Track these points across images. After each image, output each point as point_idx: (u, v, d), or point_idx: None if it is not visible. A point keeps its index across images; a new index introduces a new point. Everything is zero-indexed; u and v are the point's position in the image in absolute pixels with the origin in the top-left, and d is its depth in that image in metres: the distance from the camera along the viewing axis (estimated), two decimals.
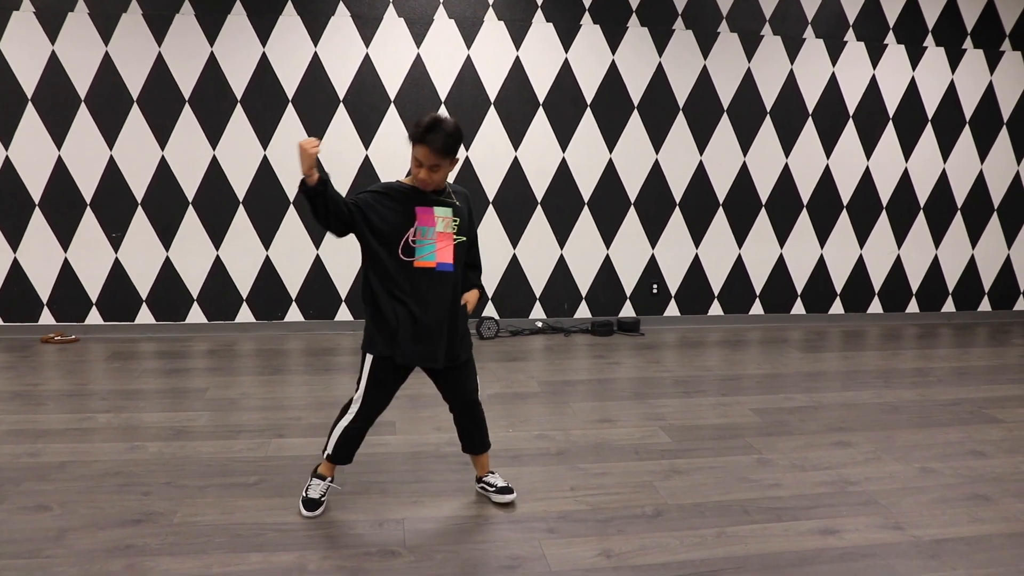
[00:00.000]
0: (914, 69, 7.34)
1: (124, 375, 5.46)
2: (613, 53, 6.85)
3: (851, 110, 7.29)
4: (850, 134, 7.33)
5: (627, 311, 7.31)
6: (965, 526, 3.22)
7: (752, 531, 3.14)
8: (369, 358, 3.17)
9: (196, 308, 6.71)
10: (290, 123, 6.54)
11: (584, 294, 7.22)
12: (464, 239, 3.19)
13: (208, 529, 3.13)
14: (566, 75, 6.82)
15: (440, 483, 3.62)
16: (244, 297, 6.75)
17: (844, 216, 7.46)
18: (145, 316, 6.66)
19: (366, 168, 6.62)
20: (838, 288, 7.61)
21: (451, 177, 3.30)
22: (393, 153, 6.66)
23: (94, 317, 6.61)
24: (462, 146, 6.61)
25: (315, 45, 6.47)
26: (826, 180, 7.37)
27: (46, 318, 6.57)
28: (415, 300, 3.08)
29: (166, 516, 3.25)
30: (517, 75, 6.76)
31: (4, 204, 6.37)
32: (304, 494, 3.34)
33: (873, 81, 7.28)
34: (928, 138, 7.47)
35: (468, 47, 6.65)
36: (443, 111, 6.62)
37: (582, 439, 4.23)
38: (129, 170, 6.44)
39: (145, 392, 5.05)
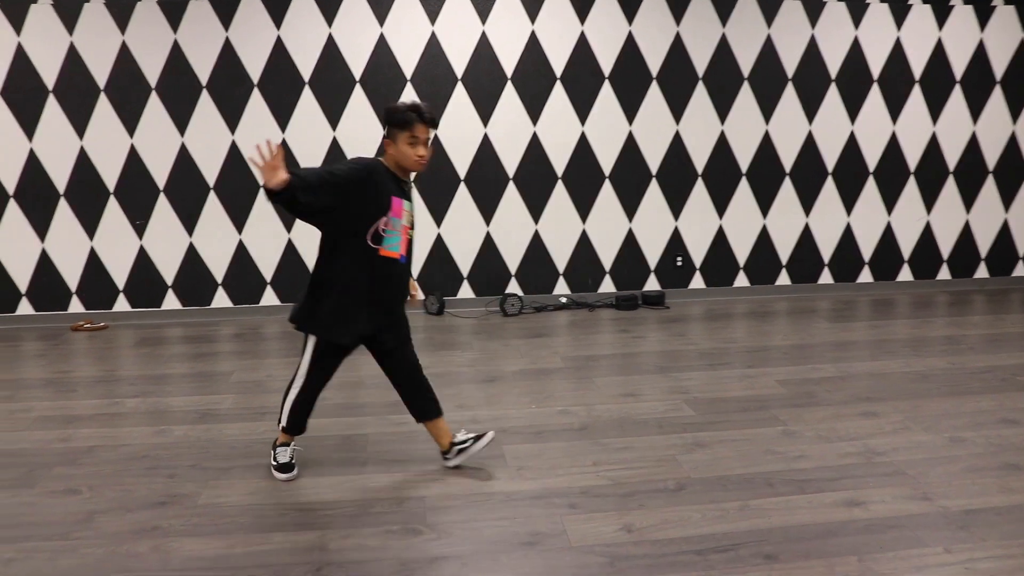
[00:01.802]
0: (940, 29, 7.16)
1: (152, 360, 5.52)
2: (630, 24, 6.75)
3: (875, 74, 7.14)
4: (875, 98, 7.18)
5: (652, 284, 7.26)
6: (996, 496, 3.16)
7: (776, 504, 3.10)
8: (312, 339, 3.28)
9: (221, 292, 6.76)
10: (308, 106, 6.54)
11: (608, 268, 7.17)
12: (413, 232, 3.32)
13: (232, 510, 3.16)
14: (583, 47, 6.74)
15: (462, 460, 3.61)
16: (268, 280, 6.78)
17: (871, 182, 7.33)
18: (171, 302, 6.73)
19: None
20: (866, 256, 7.49)
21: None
22: None
23: (122, 304, 6.69)
24: (480, 122, 6.66)
25: (329, 27, 6.45)
26: (851, 146, 7.24)
27: (75, 306, 6.66)
28: (377, 286, 3.18)
29: (191, 498, 3.28)
30: (533, 49, 6.69)
31: (31, 196, 6.45)
32: (275, 462, 3.47)
33: (898, 43, 7.12)
34: (957, 101, 7.30)
35: (483, 23, 6.59)
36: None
37: (605, 414, 4.21)
38: (150, 158, 6.49)
39: (172, 377, 5.10)
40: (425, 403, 3.47)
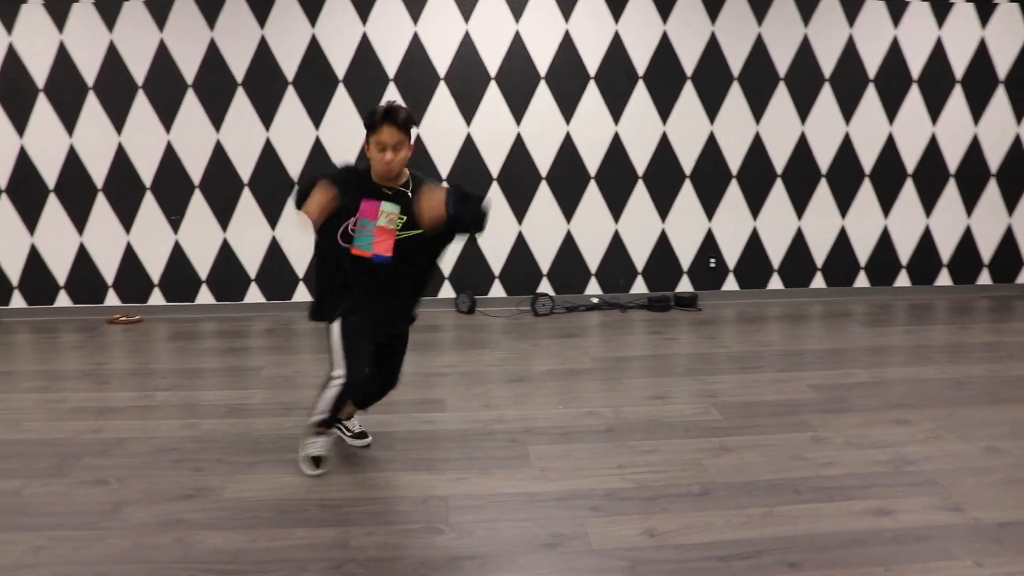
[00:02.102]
0: (984, 28, 7.01)
1: (184, 354, 5.58)
2: (664, 23, 6.69)
3: (915, 74, 7.00)
4: (914, 100, 7.04)
5: (684, 286, 7.20)
6: None
7: (802, 511, 3.06)
8: (336, 326, 3.31)
9: (254, 288, 6.82)
10: (341, 103, 6.57)
11: (640, 269, 7.12)
12: (416, 233, 3.17)
13: (256, 504, 3.18)
14: (617, 47, 6.70)
15: (486, 460, 3.61)
16: (300, 277, 6.83)
17: (909, 185, 7.20)
18: (205, 296, 6.81)
19: (418, 146, 6.62)
20: (904, 260, 7.36)
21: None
22: (443, 131, 6.65)
23: (156, 298, 6.78)
24: (513, 121, 6.65)
25: (363, 24, 6.47)
26: (889, 148, 7.10)
27: (111, 299, 6.77)
28: (355, 281, 3.29)
29: (215, 491, 3.31)
30: (567, 48, 6.66)
31: (70, 190, 6.56)
32: (305, 453, 3.52)
33: (939, 43, 6.97)
34: (999, 102, 7.14)
35: (516, 21, 6.57)
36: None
37: (632, 416, 4.18)
38: (186, 154, 6.57)
39: (203, 371, 5.16)
40: (367, 400, 3.67)
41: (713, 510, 3.08)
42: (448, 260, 6.88)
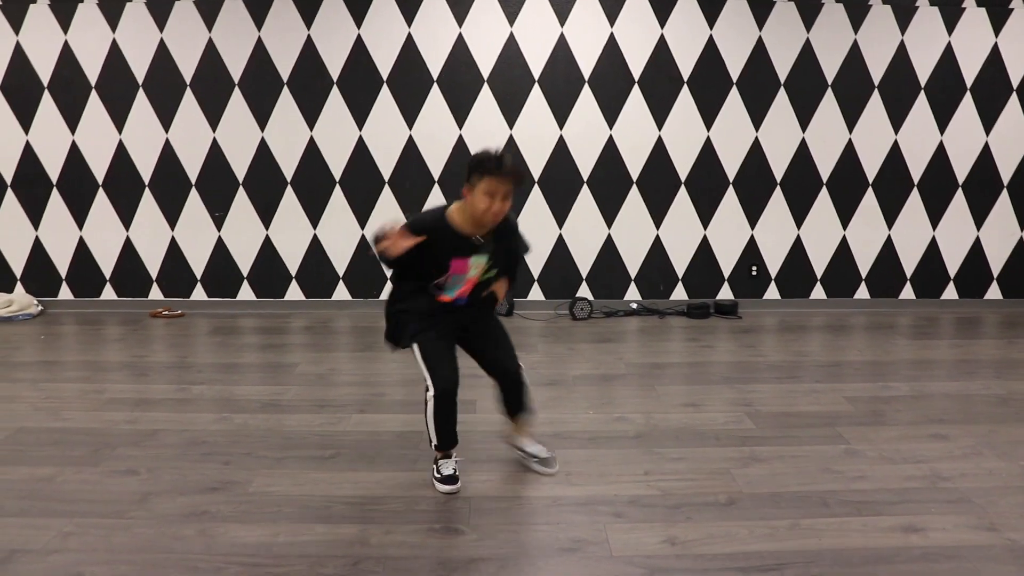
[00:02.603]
0: None
1: (223, 349, 5.66)
2: (711, 28, 6.62)
3: (968, 82, 6.82)
4: (967, 108, 6.87)
5: (725, 293, 7.11)
6: None
7: (828, 524, 2.99)
8: (416, 346, 3.26)
9: (294, 285, 6.90)
10: (385, 104, 6.61)
11: (680, 275, 7.05)
12: (492, 273, 3.29)
13: (279, 499, 3.21)
14: (662, 51, 6.65)
15: (514, 463, 3.59)
16: (340, 275, 6.89)
17: (959, 195, 7.02)
18: (246, 293, 6.90)
19: (460, 148, 6.65)
20: (952, 272, 7.18)
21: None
22: (486, 133, 6.65)
23: (199, 293, 6.90)
24: (556, 125, 6.63)
25: (408, 26, 6.51)
26: (939, 157, 6.94)
27: (155, 294, 6.90)
28: (439, 311, 3.27)
29: (242, 485, 3.34)
30: (612, 52, 6.63)
31: (118, 186, 6.71)
32: (437, 475, 3.33)
33: (995, 50, 6.79)
34: None
35: (561, 24, 6.56)
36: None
37: (663, 423, 4.13)
38: (231, 152, 6.67)
39: (240, 366, 5.22)
40: (509, 402, 3.52)
41: (737, 520, 3.03)
42: None
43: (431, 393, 3.23)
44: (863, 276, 7.13)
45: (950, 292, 7.21)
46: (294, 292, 6.92)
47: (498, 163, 2.95)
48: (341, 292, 6.93)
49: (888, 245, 7.07)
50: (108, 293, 6.90)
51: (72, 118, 6.60)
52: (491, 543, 2.86)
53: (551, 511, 3.11)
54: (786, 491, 3.28)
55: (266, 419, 4.17)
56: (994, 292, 7.24)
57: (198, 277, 6.88)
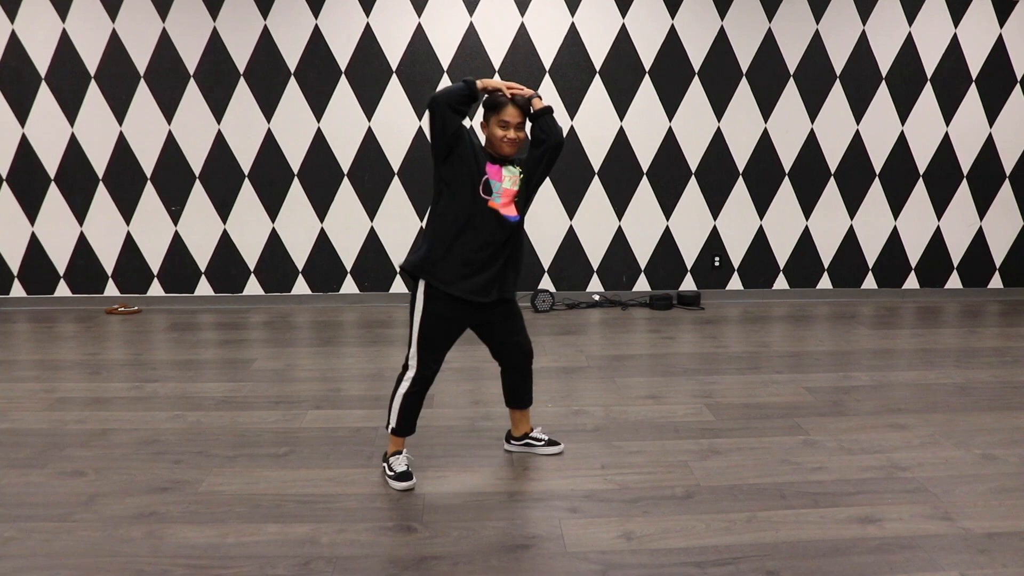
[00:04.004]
0: (1001, 26, 6.86)
1: (179, 346, 5.55)
2: (672, 17, 6.60)
3: (929, 72, 6.86)
4: (928, 98, 6.91)
5: (688, 284, 7.10)
6: (1023, 519, 2.98)
7: (786, 517, 2.97)
8: (420, 302, 3.21)
9: (253, 280, 6.79)
10: (344, 95, 6.52)
11: (643, 267, 7.03)
12: (522, 183, 3.29)
13: (230, 499, 3.13)
14: (623, 41, 6.61)
15: (468, 458, 3.55)
16: (300, 269, 6.80)
17: (920, 185, 7.06)
18: (204, 288, 6.78)
19: (419, 139, 6.57)
20: (913, 262, 7.23)
21: None
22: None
23: (156, 289, 6.77)
24: None
25: (367, 16, 6.42)
26: (901, 147, 6.97)
27: (111, 290, 6.75)
28: (481, 238, 3.17)
29: (192, 485, 3.26)
30: (572, 42, 6.58)
31: (71, 179, 6.55)
32: (391, 472, 3.29)
33: (954, 40, 6.83)
34: (1016, 102, 6.98)
35: (522, 15, 6.50)
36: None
37: (621, 416, 4.10)
38: (187, 144, 6.54)
39: (196, 363, 5.12)
40: (515, 392, 3.55)
41: (695, 514, 3.00)
42: None
43: (410, 374, 3.25)
44: (825, 266, 7.15)
45: (911, 281, 7.26)
46: (253, 287, 6.81)
47: (494, 97, 3.20)
48: (301, 286, 6.83)
49: (850, 235, 7.10)
50: (62, 290, 6.75)
51: (21, 111, 6.43)
52: (444, 540, 2.81)
53: (506, 507, 3.07)
54: (744, 483, 3.26)
55: (220, 416, 4.09)
56: (954, 281, 7.29)
57: (155, 272, 6.75)
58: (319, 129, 6.56)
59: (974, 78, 6.91)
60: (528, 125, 3.26)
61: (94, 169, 6.53)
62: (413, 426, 3.35)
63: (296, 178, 6.63)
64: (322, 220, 6.71)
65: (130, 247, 6.68)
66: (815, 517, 2.96)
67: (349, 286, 6.85)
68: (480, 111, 3.24)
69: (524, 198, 3.30)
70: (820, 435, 3.82)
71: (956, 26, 6.81)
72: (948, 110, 6.94)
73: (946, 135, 6.98)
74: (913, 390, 4.55)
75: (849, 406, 4.26)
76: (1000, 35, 6.87)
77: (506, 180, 3.22)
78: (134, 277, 6.75)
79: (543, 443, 3.60)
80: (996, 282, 7.33)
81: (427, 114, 3.12)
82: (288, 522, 2.95)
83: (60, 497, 3.15)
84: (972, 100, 6.94)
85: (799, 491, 3.19)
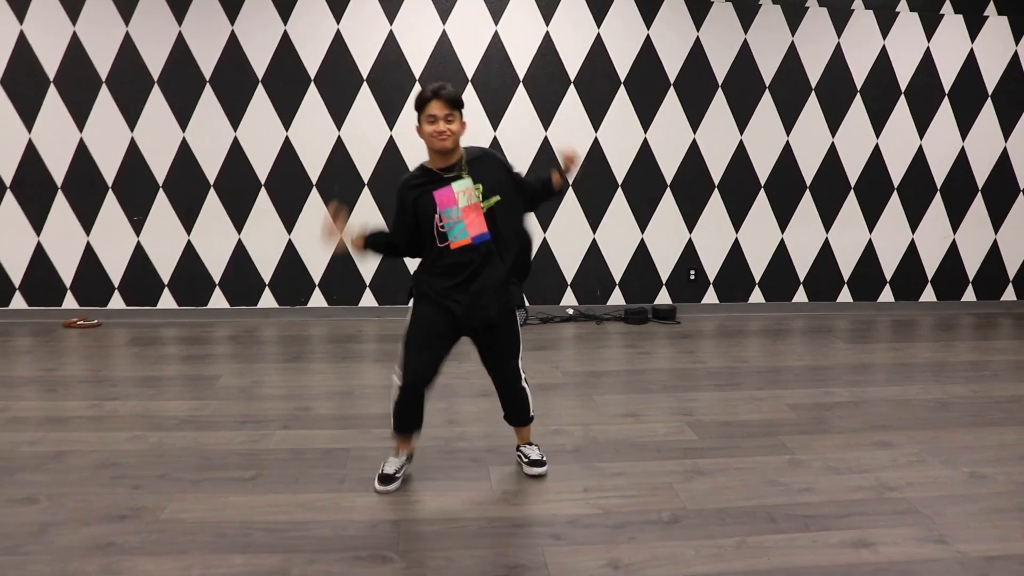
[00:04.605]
0: (973, 41, 6.88)
1: (140, 361, 5.35)
2: (648, 28, 6.53)
3: (903, 85, 6.86)
4: (902, 112, 6.90)
5: (663, 298, 7.02)
6: (1020, 541, 2.89)
7: (777, 542, 2.86)
8: (411, 305, 3.28)
9: (218, 293, 6.59)
10: (313, 103, 6.37)
11: (618, 280, 6.94)
12: (497, 199, 3.19)
13: (194, 527, 2.96)
14: (598, 51, 6.53)
15: (445, 481, 3.40)
16: (267, 282, 6.61)
17: (895, 199, 7.05)
18: (167, 301, 6.57)
19: (390, 149, 6.43)
20: (888, 275, 7.21)
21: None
22: (406, 132, 6.44)
23: (116, 302, 6.54)
24: (490, 125, 6.46)
25: (338, 23, 6.28)
26: (875, 160, 6.96)
27: (69, 302, 6.52)
28: (462, 277, 3.16)
29: (153, 512, 3.08)
30: (547, 51, 6.48)
31: (28, 187, 6.32)
32: (380, 470, 3.33)
33: (927, 54, 6.84)
34: (987, 115, 7.01)
35: (496, 23, 6.39)
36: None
37: (602, 435, 3.98)
38: (150, 152, 6.34)
39: (158, 379, 4.93)
40: (509, 410, 3.54)
41: (682, 540, 2.88)
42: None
43: (397, 383, 3.23)
44: (801, 279, 7.11)
45: (886, 295, 7.24)
46: (218, 300, 6.61)
47: (419, 96, 3.13)
48: (267, 299, 6.64)
49: (825, 248, 7.07)
50: (18, 302, 6.49)
51: None
52: (421, 572, 2.66)
53: (487, 534, 2.93)
54: (731, 506, 3.15)
55: (183, 437, 3.90)
56: (928, 295, 7.29)
57: (115, 285, 6.52)
58: (287, 138, 6.39)
59: (947, 92, 6.92)
60: (461, 122, 3.16)
61: (52, 177, 6.30)
62: (415, 422, 3.37)
63: (263, 188, 6.45)
64: (290, 231, 6.54)
65: (90, 258, 6.45)
66: (807, 542, 2.86)
67: (317, 299, 6.67)
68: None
69: (506, 207, 3.22)
70: (805, 454, 3.73)
71: (929, 40, 6.82)
72: (922, 124, 6.94)
73: (920, 148, 6.98)
74: (895, 406, 4.49)
75: (832, 423, 4.17)
76: (972, 50, 6.90)
77: (460, 200, 3.13)
78: (94, 289, 6.52)
79: (527, 462, 3.48)
80: (969, 295, 7.34)
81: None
82: (256, 552, 2.78)
83: (8, 527, 2.94)
84: (945, 114, 6.95)
85: (788, 514, 3.09)
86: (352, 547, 2.82)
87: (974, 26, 6.86)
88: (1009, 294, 7.41)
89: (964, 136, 7.01)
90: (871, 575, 2.64)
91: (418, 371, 3.18)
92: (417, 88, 6.38)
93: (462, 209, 3.12)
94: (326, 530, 2.95)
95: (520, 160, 6.60)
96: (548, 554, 2.77)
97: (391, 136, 6.43)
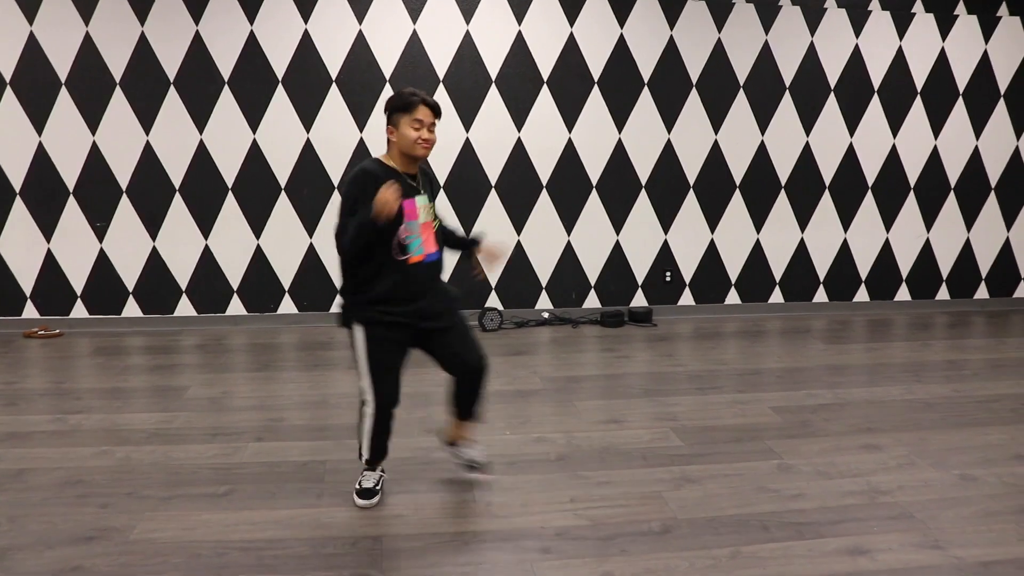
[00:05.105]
0: (944, 40, 6.90)
1: (105, 372, 5.17)
2: (621, 26, 6.46)
3: (876, 85, 6.86)
4: (875, 110, 6.91)
5: (639, 300, 6.95)
6: (1015, 545, 2.85)
7: (772, 551, 2.79)
8: (359, 332, 3.04)
9: (185, 300, 6.41)
10: (280, 105, 6.22)
11: (593, 283, 6.86)
12: (439, 221, 3.19)
13: (165, 548, 2.82)
14: (571, 50, 6.45)
15: (427, 494, 3.29)
16: (235, 288, 6.44)
17: (869, 198, 7.05)
18: (132, 309, 6.38)
19: (360, 151, 6.30)
20: (863, 275, 7.21)
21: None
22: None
23: (79, 310, 6.33)
24: (462, 127, 6.35)
25: (305, 23, 6.13)
26: (850, 160, 6.96)
27: (30, 312, 6.30)
28: (409, 293, 3.03)
29: (122, 532, 2.94)
30: (519, 51, 6.39)
31: None
32: (357, 487, 3.21)
33: (900, 53, 6.85)
34: (959, 114, 7.04)
35: (467, 22, 6.29)
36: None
37: (586, 443, 3.89)
38: (113, 156, 6.15)
39: (124, 391, 4.75)
40: (462, 403, 3.33)
41: (675, 551, 2.79)
42: None
43: (370, 409, 3.09)
44: (777, 280, 7.08)
45: (862, 294, 7.24)
46: (184, 307, 6.42)
47: (405, 97, 3.02)
48: (236, 306, 6.47)
49: (801, 248, 7.05)
50: None
51: None
52: None
53: (472, 549, 2.82)
54: (723, 515, 3.08)
55: (152, 451, 3.75)
56: (903, 294, 7.30)
57: (78, 293, 6.31)
58: (255, 140, 6.23)
59: (919, 91, 6.93)
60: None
61: (10, 182, 6.08)
62: (386, 450, 3.22)
63: (230, 192, 6.29)
64: (258, 236, 6.37)
65: (51, 266, 6.24)
66: (802, 550, 2.79)
67: (287, 306, 6.52)
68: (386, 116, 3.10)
69: (440, 229, 3.20)
70: (794, 459, 3.66)
71: (901, 39, 6.83)
72: (895, 123, 6.95)
73: (893, 148, 6.99)
74: (879, 407, 4.45)
75: (818, 426, 4.12)
76: (943, 48, 6.91)
77: (421, 215, 3.05)
78: (55, 298, 6.30)
79: (473, 465, 3.42)
80: (943, 293, 7.36)
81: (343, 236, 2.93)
82: (232, 572, 2.66)
83: None
84: (918, 113, 6.97)
85: (781, 521, 3.01)
86: (333, 566, 2.70)
87: (945, 24, 6.88)
88: (982, 292, 7.44)
89: (936, 135, 7.02)
90: None
91: (391, 393, 3.10)
92: (388, 89, 6.26)
93: (421, 224, 3.04)
94: (305, 548, 2.83)
95: (494, 162, 6.50)
96: (538, 569, 2.68)
97: (361, 138, 6.30)
